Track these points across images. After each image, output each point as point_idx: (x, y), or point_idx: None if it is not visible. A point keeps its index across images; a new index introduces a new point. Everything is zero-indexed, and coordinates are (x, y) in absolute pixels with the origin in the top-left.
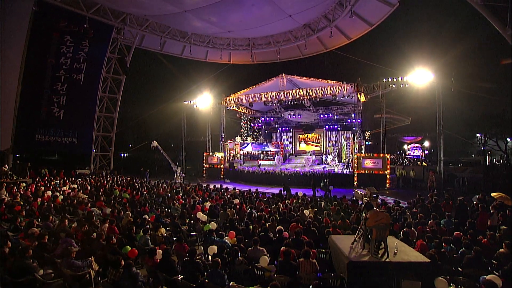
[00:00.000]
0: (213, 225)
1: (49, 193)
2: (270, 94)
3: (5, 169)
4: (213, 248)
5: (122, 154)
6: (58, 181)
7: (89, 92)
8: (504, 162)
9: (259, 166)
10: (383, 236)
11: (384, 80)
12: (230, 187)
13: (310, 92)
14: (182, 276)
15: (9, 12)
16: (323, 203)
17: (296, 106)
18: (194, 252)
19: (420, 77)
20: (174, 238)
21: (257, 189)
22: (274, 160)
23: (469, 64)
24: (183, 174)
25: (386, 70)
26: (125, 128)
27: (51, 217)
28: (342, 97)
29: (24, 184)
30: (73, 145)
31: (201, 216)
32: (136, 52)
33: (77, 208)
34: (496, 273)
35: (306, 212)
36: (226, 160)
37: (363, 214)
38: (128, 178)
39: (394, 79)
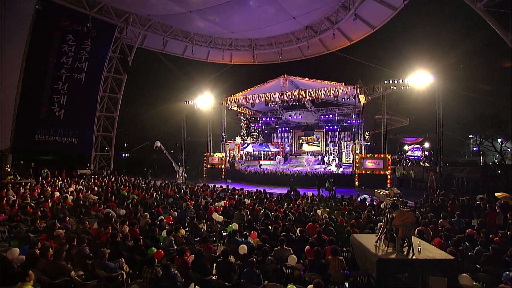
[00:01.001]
0: (235, 226)
1: (57, 194)
2: (271, 94)
3: (8, 169)
4: (244, 248)
5: (123, 154)
6: (62, 182)
7: (90, 92)
8: (500, 163)
9: (260, 166)
10: (409, 234)
11: (386, 82)
12: (237, 187)
13: (312, 93)
14: (215, 276)
15: (11, 10)
16: (332, 203)
17: (297, 107)
18: (227, 252)
19: (420, 79)
20: (197, 239)
21: (264, 190)
22: (274, 160)
23: (466, 66)
24: (185, 175)
25: (387, 72)
26: (126, 128)
27: (67, 218)
28: (344, 98)
29: (29, 185)
30: (73, 145)
31: (216, 217)
32: (136, 51)
33: (89, 209)
34: None
35: (319, 212)
36: (227, 160)
37: (387, 214)
38: (132, 179)
39: (395, 81)
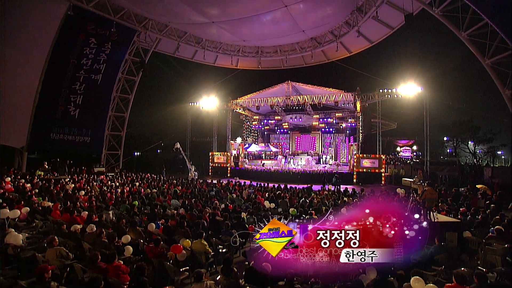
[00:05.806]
0: (293, 211)
1: (104, 187)
2: (276, 99)
3: (46, 166)
4: None
5: (136, 153)
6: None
7: (105, 92)
8: (473, 163)
9: (262, 165)
10: (431, 206)
11: (381, 90)
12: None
13: (314, 98)
14: None
15: (40, 12)
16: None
17: (297, 110)
18: None
19: (410, 89)
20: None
21: (285, 184)
22: (275, 159)
23: (448, 78)
24: (196, 172)
25: (381, 82)
26: (134, 127)
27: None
28: (343, 104)
29: (72, 180)
30: (85, 144)
31: (267, 204)
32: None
33: (153, 200)
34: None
35: (346, 199)
36: (232, 159)
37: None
38: (154, 176)
39: (389, 90)
